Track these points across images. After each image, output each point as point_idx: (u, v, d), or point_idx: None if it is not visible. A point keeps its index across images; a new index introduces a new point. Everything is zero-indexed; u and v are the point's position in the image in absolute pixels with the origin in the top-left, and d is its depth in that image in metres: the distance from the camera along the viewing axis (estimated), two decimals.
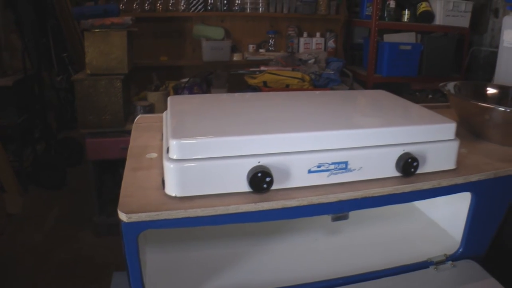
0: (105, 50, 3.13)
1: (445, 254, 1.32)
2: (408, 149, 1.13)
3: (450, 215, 1.44)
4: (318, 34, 4.37)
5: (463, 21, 4.26)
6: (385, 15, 4.19)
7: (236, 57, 4.12)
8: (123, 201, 0.95)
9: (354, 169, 1.09)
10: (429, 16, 4.21)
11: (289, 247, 1.36)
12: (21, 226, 3.24)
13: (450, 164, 1.22)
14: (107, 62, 3.14)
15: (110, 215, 3.15)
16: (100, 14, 3.19)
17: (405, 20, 4.26)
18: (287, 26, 4.33)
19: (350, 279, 1.19)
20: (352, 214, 1.53)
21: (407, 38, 4.23)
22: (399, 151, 1.12)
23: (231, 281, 1.15)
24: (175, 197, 0.97)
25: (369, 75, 4.10)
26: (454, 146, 1.20)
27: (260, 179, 0.97)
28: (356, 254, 1.35)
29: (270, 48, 4.29)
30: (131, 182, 1.05)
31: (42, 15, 4.24)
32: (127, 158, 1.21)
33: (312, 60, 3.84)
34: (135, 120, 1.52)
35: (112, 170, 3.28)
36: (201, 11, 3.98)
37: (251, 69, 3.56)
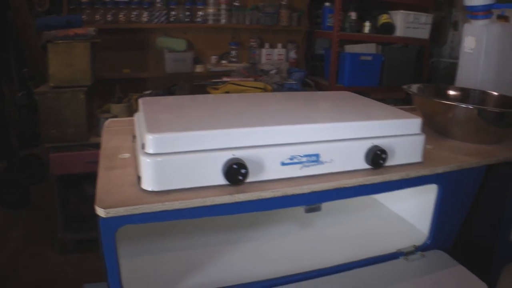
0: (68, 61, 3.09)
1: (414, 245, 1.36)
2: (376, 142, 1.16)
3: (416, 209, 1.49)
4: (280, 45, 4.42)
5: (423, 33, 4.37)
6: (346, 26, 4.26)
7: (199, 68, 4.12)
8: (100, 198, 0.93)
9: (326, 162, 1.10)
10: (390, 27, 4.30)
11: (264, 241, 1.37)
12: None
13: (417, 157, 1.26)
14: (71, 74, 3.10)
15: (75, 232, 3.09)
16: (63, 25, 3.16)
17: (366, 31, 4.34)
18: (249, 38, 4.36)
19: (323, 272, 1.21)
20: (323, 207, 1.58)
21: (368, 49, 4.31)
22: (368, 144, 1.15)
23: (207, 276, 1.14)
24: (152, 192, 0.97)
25: (331, 85, 4.16)
26: (420, 140, 1.24)
27: (236, 171, 0.98)
28: (328, 246, 1.37)
29: (232, 59, 4.31)
30: (107, 180, 1.04)
31: (2, 29, 4.18)
32: (100, 159, 1.19)
33: (274, 71, 3.87)
34: (105, 124, 1.51)
35: (76, 185, 3.23)
36: (163, 23, 3.98)
37: (214, 80, 3.56)
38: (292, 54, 4.49)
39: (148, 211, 0.93)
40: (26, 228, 3.36)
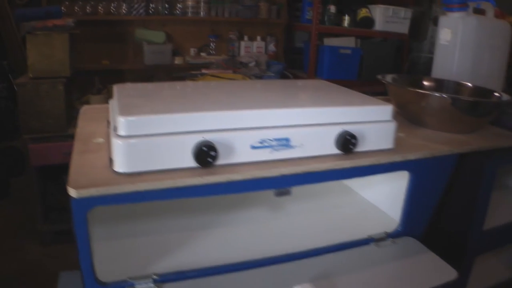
0: (47, 52, 3.09)
1: (386, 232, 1.38)
2: (346, 128, 1.17)
3: (388, 196, 1.51)
4: (259, 38, 4.46)
5: (403, 28, 4.40)
6: (326, 19, 4.29)
7: (178, 60, 4.15)
8: (72, 179, 0.95)
9: (296, 146, 1.12)
10: (369, 22, 4.32)
11: (235, 225, 1.39)
12: None
13: (388, 144, 1.27)
14: (50, 65, 3.10)
15: (54, 223, 3.10)
16: (42, 16, 3.16)
17: (346, 25, 4.36)
18: (228, 30, 4.39)
19: (293, 256, 1.23)
20: (294, 192, 1.60)
21: (347, 43, 4.34)
22: (338, 129, 1.17)
23: (178, 259, 1.16)
24: (124, 174, 0.98)
25: (310, 78, 4.17)
26: (391, 126, 1.26)
27: (205, 153, 1.00)
28: (299, 232, 1.39)
29: (212, 52, 4.34)
30: (80, 163, 1.05)
31: None
32: (75, 143, 1.20)
33: (253, 63, 3.89)
34: (81, 111, 1.52)
35: (55, 177, 3.24)
36: (142, 15, 4.00)
37: (193, 72, 3.58)
38: (271, 47, 4.52)
39: (119, 192, 0.94)
40: (6, 221, 3.35)
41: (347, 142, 1.17)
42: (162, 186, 0.97)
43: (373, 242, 1.36)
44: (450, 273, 1.23)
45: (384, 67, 4.35)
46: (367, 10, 4.33)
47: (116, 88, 1.28)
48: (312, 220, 1.48)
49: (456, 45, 2.05)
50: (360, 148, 1.22)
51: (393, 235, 1.39)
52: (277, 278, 1.13)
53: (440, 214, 1.61)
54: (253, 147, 1.07)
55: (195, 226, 1.37)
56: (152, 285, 1.04)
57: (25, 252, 2.97)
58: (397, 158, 1.25)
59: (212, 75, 3.41)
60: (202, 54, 4.31)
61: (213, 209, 1.48)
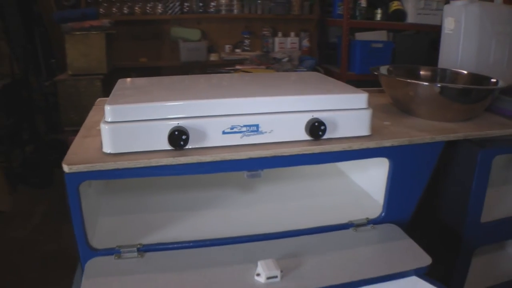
0: (85, 51, 3.32)
1: (367, 218, 1.43)
2: (318, 115, 1.26)
3: (377, 182, 1.53)
4: (292, 34, 4.56)
5: (435, 19, 4.33)
6: (357, 14, 4.34)
7: (213, 57, 4.31)
8: (67, 158, 1.13)
9: (266, 132, 1.23)
10: (401, 14, 4.33)
11: (218, 205, 1.52)
12: (9, 222, 3.36)
13: (364, 131, 1.34)
14: (87, 63, 3.32)
15: None
16: (79, 17, 3.37)
17: (378, 18, 4.39)
18: (262, 27, 4.52)
19: (269, 236, 1.32)
20: (286, 174, 1.74)
21: (378, 36, 4.38)
22: (308, 116, 1.26)
23: (160, 234, 1.31)
24: (110, 154, 1.14)
25: (342, 73, 4.26)
26: (366, 114, 1.32)
27: (177, 137, 1.14)
28: (282, 213, 1.48)
29: (246, 48, 4.48)
30: (78, 145, 1.23)
31: (29, 22, 4.39)
32: (80, 129, 1.39)
33: (286, 59, 4.00)
34: (95, 102, 1.70)
35: None
36: (177, 13, 4.17)
37: (226, 68, 3.72)
38: (305, 43, 4.62)
39: (103, 169, 1.10)
40: (48, 206, 3.59)
41: (315, 128, 1.25)
42: (139, 165, 1.11)
43: (353, 227, 1.40)
44: (424, 260, 1.25)
45: (417, 60, 4.32)
46: (398, 2, 4.35)
47: (118, 82, 1.44)
48: (298, 203, 1.57)
49: (460, 34, 2.03)
50: (333, 134, 1.29)
51: (375, 222, 1.44)
52: (247, 254, 1.23)
53: (436, 205, 1.65)
54: (224, 133, 1.20)
55: (180, 206, 1.50)
56: (135, 253, 1.19)
57: (63, 236, 3.17)
58: (371, 144, 1.30)
59: (244, 71, 3.53)
60: (237, 50, 4.45)
61: (201, 189, 1.62)
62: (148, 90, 1.37)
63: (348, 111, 1.30)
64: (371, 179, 1.61)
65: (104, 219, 1.39)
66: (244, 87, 1.44)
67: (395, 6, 4.34)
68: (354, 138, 1.32)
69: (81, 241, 1.18)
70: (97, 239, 1.25)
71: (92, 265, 1.16)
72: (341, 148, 1.28)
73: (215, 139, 1.20)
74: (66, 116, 3.27)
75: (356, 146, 1.29)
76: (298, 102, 1.26)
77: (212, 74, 1.82)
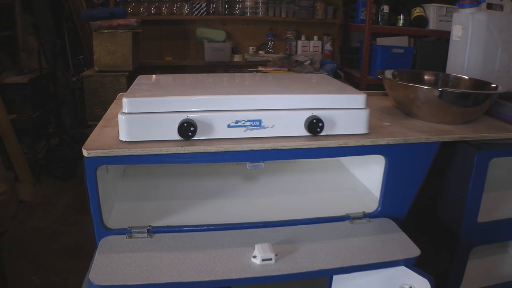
0: (111, 49, 3.44)
1: (364, 212, 1.51)
2: (317, 113, 1.35)
3: (376, 178, 1.59)
4: (315, 38, 4.64)
5: None
6: (379, 19, 4.42)
7: (237, 58, 4.42)
8: (87, 144, 1.24)
9: (267, 127, 1.33)
10: (422, 21, 4.40)
11: (227, 194, 1.64)
12: (32, 212, 3.49)
13: (361, 129, 1.42)
14: (113, 60, 3.45)
15: None
16: (107, 16, 3.51)
17: (400, 24, 4.47)
18: (286, 30, 4.61)
19: (269, 224, 1.42)
20: (289, 167, 1.84)
21: (400, 42, 4.45)
22: (307, 114, 1.35)
23: (170, 218, 1.42)
24: (125, 142, 1.25)
25: (362, 77, 4.35)
26: (363, 113, 1.40)
27: (186, 128, 1.24)
28: (283, 204, 1.58)
29: (269, 50, 4.57)
30: (98, 134, 1.34)
31: (59, 18, 4.53)
32: (101, 120, 1.50)
33: (308, 62, 4.06)
34: (117, 97, 1.81)
35: None
36: (203, 14, 4.29)
37: (249, 69, 3.81)
38: (328, 47, 4.69)
39: (118, 154, 1.21)
40: (71, 198, 3.73)
41: (313, 125, 1.34)
42: (151, 152, 1.22)
43: (349, 219, 1.48)
44: (414, 251, 1.31)
45: (437, 66, 4.32)
46: (421, 9, 4.41)
47: (137, 78, 1.55)
48: (299, 195, 1.67)
49: (467, 41, 2.08)
50: (331, 131, 1.38)
51: (371, 216, 1.51)
52: (246, 239, 1.32)
53: (435, 204, 1.71)
54: (229, 126, 1.30)
55: (188, 194, 1.62)
56: (145, 233, 1.30)
57: (84, 227, 3.26)
58: (366, 142, 1.38)
59: (266, 72, 3.61)
60: (260, 52, 4.55)
61: (207, 179, 1.74)
62: (163, 86, 1.48)
63: (346, 110, 1.39)
64: (371, 176, 1.67)
65: (119, 203, 1.51)
66: (250, 85, 1.56)
67: (417, 12, 4.40)
68: (351, 135, 1.40)
69: (96, 221, 1.28)
70: (111, 220, 1.37)
71: (105, 243, 1.27)
72: (337, 144, 1.36)
73: (221, 131, 1.30)
74: (91, 111, 3.39)
75: (352, 143, 1.37)
76: (298, 100, 1.35)
77: (224, 73, 1.92)
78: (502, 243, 2.03)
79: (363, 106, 1.40)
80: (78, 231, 3.22)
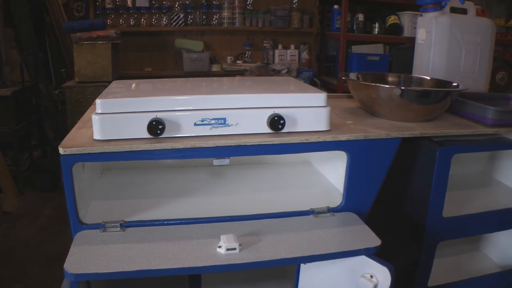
0: (91, 60, 3.52)
1: (328, 206, 1.58)
2: (278, 111, 1.43)
3: (340, 174, 1.64)
4: (292, 47, 4.72)
5: None
6: (354, 27, 4.51)
7: (215, 67, 4.50)
8: (63, 143, 1.32)
9: (232, 124, 1.41)
10: (397, 28, 4.50)
11: (187, 188, 1.73)
12: (15, 223, 3.51)
13: (323, 126, 1.50)
14: (94, 70, 3.53)
15: None
16: (87, 28, 3.58)
17: (375, 32, 4.56)
18: (263, 39, 4.69)
19: (235, 218, 1.50)
20: (252, 162, 1.94)
21: (375, 50, 4.54)
22: (270, 112, 1.43)
23: (141, 213, 1.50)
24: (99, 140, 1.34)
25: (339, 84, 4.41)
26: (324, 111, 1.49)
27: (155, 127, 1.33)
28: (250, 199, 1.67)
29: (247, 60, 4.65)
30: (74, 134, 1.43)
31: (41, 32, 4.57)
32: (78, 122, 1.59)
33: (285, 70, 4.14)
34: (93, 102, 1.88)
35: None
36: (182, 25, 4.38)
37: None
38: (305, 55, 4.76)
39: (92, 152, 1.30)
40: (54, 209, 3.75)
41: (274, 122, 1.42)
42: (122, 149, 1.31)
43: (314, 214, 1.55)
44: (374, 241, 1.38)
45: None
46: (395, 17, 4.50)
47: (112, 83, 1.64)
48: (265, 190, 1.76)
49: (431, 44, 2.15)
50: (294, 128, 1.46)
51: (335, 210, 1.58)
52: (213, 232, 1.39)
53: (402, 199, 1.78)
54: (196, 124, 1.38)
55: (159, 191, 1.70)
56: (118, 228, 1.38)
57: (67, 237, 3.27)
58: (327, 138, 1.47)
59: None
60: (238, 62, 4.63)
61: (177, 176, 1.84)
62: (134, 88, 1.57)
63: (307, 108, 1.48)
64: (337, 173, 1.73)
65: (95, 201, 1.59)
66: (216, 87, 1.66)
67: (392, 20, 4.49)
68: (313, 132, 1.49)
69: (72, 216, 1.37)
70: (87, 217, 1.46)
71: (80, 236, 1.36)
72: (299, 140, 1.45)
73: (188, 129, 1.39)
74: (73, 121, 3.43)
75: (313, 139, 1.46)
76: (261, 99, 1.44)
77: (192, 78, 2.01)
78: (472, 240, 2.10)
79: (323, 104, 1.49)
80: (62, 240, 3.20)
